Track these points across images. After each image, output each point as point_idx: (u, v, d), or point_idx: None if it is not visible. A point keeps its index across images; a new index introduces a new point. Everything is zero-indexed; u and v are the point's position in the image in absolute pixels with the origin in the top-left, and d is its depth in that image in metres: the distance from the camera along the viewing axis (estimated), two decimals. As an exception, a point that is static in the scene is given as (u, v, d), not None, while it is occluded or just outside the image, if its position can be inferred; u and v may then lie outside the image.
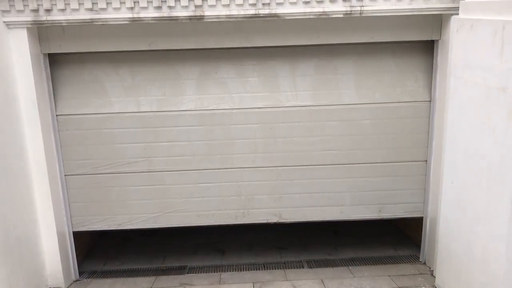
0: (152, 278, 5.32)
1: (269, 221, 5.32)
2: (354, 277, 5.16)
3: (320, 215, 5.35)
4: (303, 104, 5.01)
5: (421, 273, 5.19)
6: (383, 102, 5.03)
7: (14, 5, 4.29)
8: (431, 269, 5.18)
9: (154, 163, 5.09)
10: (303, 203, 5.29)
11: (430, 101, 5.02)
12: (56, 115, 4.92)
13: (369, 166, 5.19)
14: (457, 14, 4.30)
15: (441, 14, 4.62)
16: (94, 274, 5.47)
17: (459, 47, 4.15)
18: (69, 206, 5.14)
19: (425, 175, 5.19)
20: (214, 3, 4.35)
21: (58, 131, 4.95)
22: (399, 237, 6.26)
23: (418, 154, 5.15)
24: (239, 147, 5.11)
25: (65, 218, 5.10)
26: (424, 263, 5.39)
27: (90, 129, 4.98)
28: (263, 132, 5.08)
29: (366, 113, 5.05)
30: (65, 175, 5.07)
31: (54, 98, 4.90)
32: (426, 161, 5.15)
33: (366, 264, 5.47)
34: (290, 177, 5.21)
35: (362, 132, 5.10)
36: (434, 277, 5.00)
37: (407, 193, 5.28)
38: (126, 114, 4.98)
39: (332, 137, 5.10)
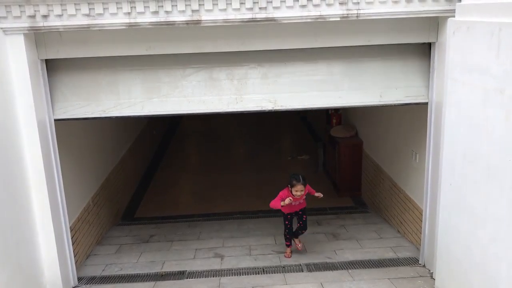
0: (151, 284, 5.30)
1: (263, 108, 4.96)
2: (354, 280, 5.15)
3: (317, 101, 5.00)
4: None
5: (420, 276, 5.18)
6: None
7: (11, 11, 4.27)
8: (431, 272, 5.16)
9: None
10: (299, 88, 4.95)
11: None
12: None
13: (369, 46, 4.86)
14: (454, 16, 4.31)
15: (437, 17, 4.62)
16: (92, 280, 5.45)
17: (456, 50, 4.16)
18: (49, 90, 4.80)
19: (429, 55, 4.88)
20: (211, 8, 4.35)
21: None
22: (399, 240, 6.25)
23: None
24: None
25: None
26: (424, 266, 5.37)
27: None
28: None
29: None
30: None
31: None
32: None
33: (365, 267, 5.46)
34: (285, 59, 4.89)
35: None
36: (434, 279, 4.98)
37: (409, 76, 4.97)
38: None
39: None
